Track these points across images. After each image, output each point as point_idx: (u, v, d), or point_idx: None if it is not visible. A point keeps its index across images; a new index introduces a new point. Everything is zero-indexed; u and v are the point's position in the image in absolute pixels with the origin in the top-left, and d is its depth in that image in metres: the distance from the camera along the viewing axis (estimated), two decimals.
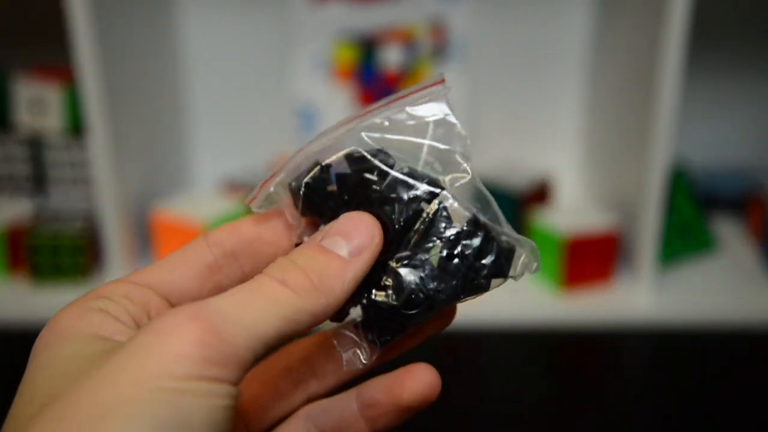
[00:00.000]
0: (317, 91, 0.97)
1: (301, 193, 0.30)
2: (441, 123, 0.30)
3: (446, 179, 0.30)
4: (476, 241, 0.29)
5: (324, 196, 0.30)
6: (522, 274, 0.30)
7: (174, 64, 0.97)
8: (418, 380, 0.30)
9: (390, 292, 0.29)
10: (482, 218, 0.29)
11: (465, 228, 0.29)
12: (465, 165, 0.30)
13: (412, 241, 0.29)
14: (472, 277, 0.29)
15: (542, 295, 0.83)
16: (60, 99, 0.89)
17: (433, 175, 0.30)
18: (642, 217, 0.80)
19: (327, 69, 0.96)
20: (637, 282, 0.83)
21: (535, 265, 0.30)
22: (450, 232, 0.29)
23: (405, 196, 0.29)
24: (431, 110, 0.30)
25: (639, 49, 0.81)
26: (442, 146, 0.30)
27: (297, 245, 0.30)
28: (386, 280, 0.29)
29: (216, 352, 0.23)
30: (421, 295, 0.29)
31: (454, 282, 0.29)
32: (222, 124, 1.02)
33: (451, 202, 0.29)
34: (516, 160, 1.01)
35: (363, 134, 0.30)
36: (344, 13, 0.94)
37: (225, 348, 0.24)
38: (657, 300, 0.83)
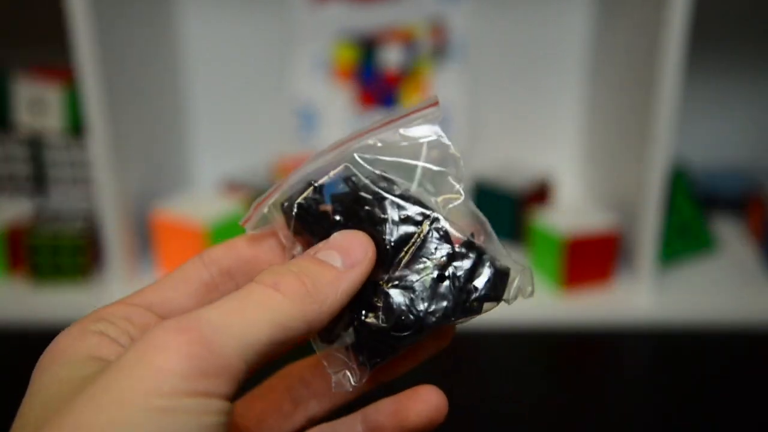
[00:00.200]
0: (317, 91, 0.97)
1: (294, 213, 0.30)
2: (434, 144, 0.30)
3: (439, 200, 0.30)
4: (468, 263, 0.29)
5: (316, 216, 0.30)
6: (516, 297, 0.30)
7: (174, 64, 0.97)
8: (424, 403, 0.30)
9: (380, 313, 0.28)
10: (475, 240, 0.29)
11: (457, 250, 0.29)
12: (458, 186, 0.30)
13: (404, 262, 0.29)
14: (463, 299, 0.29)
15: (542, 295, 0.83)
16: (60, 99, 0.89)
17: (426, 196, 0.30)
18: (642, 217, 0.80)
19: (327, 69, 0.96)
20: (637, 282, 0.83)
21: (529, 289, 0.29)
22: (441, 254, 0.29)
23: (397, 217, 0.29)
24: (425, 132, 0.30)
25: (639, 49, 0.81)
26: (435, 168, 0.30)
27: None
28: (377, 301, 0.29)
29: (206, 363, 0.23)
30: (411, 317, 0.28)
31: (445, 304, 0.29)
32: (222, 124, 1.02)
33: (442, 224, 0.29)
34: (516, 160, 1.01)
35: (356, 155, 0.30)
36: (344, 13, 0.94)
37: (215, 359, 0.23)
38: (657, 300, 0.83)
